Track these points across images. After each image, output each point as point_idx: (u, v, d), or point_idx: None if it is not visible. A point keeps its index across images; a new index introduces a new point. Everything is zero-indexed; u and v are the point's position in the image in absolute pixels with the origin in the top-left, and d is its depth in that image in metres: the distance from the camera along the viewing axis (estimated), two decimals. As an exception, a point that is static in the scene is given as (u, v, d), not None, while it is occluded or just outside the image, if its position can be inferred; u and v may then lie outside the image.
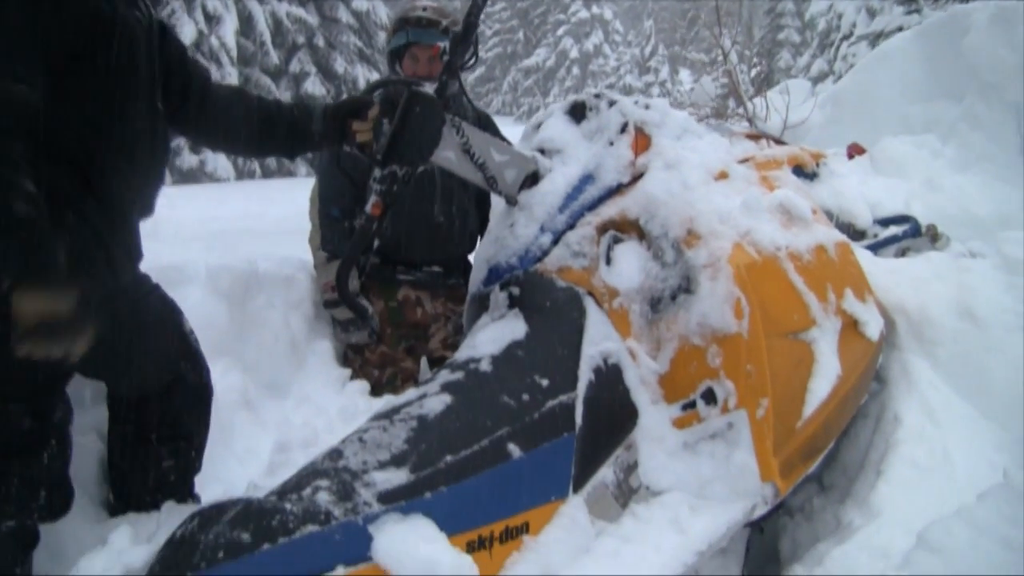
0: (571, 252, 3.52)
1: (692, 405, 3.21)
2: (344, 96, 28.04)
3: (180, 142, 26.81)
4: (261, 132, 3.70)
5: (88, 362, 2.93)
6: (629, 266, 3.44)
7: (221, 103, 3.61)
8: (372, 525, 2.30)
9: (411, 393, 2.98)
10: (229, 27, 28.76)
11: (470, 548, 2.48)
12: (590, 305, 3.35)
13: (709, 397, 3.18)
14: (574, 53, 63.19)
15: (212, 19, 28.45)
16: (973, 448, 3.78)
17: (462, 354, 3.25)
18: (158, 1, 3.43)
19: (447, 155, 3.60)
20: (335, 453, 2.62)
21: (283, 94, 32.25)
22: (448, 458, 2.58)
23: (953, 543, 2.44)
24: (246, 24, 30.08)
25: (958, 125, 6.12)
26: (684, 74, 57.38)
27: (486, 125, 5.36)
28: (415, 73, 5.41)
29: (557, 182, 3.70)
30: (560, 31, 64.57)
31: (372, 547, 2.26)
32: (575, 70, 63.10)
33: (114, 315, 3.18)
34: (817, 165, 5.22)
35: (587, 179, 3.70)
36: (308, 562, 2.16)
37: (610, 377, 3.16)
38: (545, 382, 2.96)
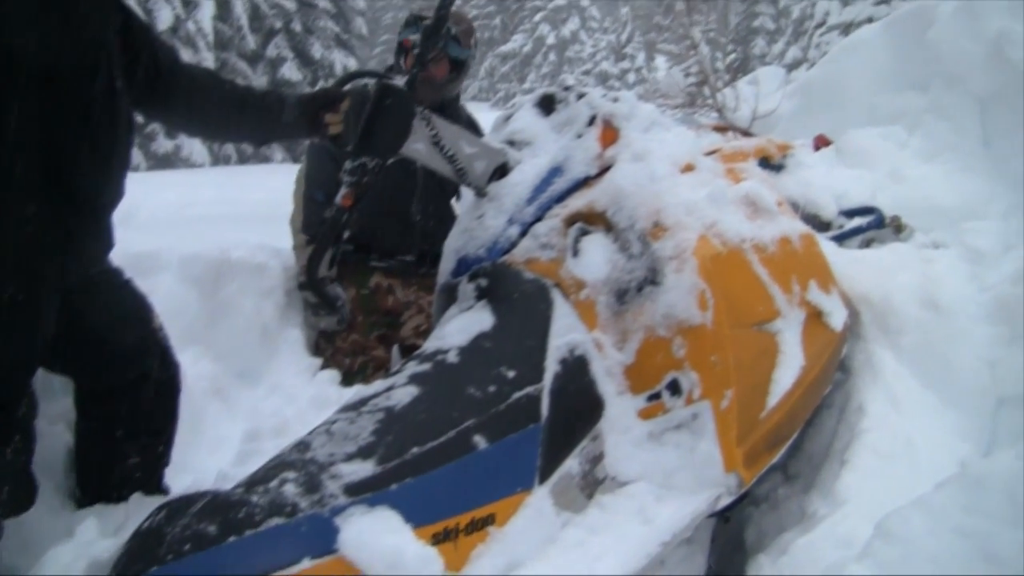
0: (539, 244, 3.54)
1: (657, 396, 3.22)
2: (321, 82, 27.86)
3: (155, 127, 26.72)
4: (231, 116, 3.69)
5: (54, 357, 2.95)
6: (596, 258, 3.45)
7: (192, 84, 3.58)
8: (338, 517, 2.32)
9: (379, 384, 2.99)
10: (206, 12, 28.62)
11: (436, 540, 2.50)
12: (557, 297, 3.36)
13: (674, 388, 3.20)
14: (551, 39, 63.04)
15: (189, 4, 28.30)
16: (936, 437, 3.83)
17: (430, 345, 3.26)
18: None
19: (417, 147, 3.62)
20: (302, 445, 2.64)
21: (260, 79, 32.13)
22: (415, 450, 2.60)
23: (910, 532, 2.46)
24: (223, 8, 29.95)
25: (923, 116, 6.14)
26: (660, 61, 57.34)
27: (477, 131, 5.39)
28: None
29: (526, 174, 3.72)
30: (537, 17, 64.42)
31: (338, 539, 2.27)
32: (552, 56, 62.96)
33: (81, 310, 3.19)
34: (783, 156, 5.25)
35: (555, 171, 3.72)
36: (274, 555, 2.17)
37: (576, 368, 3.18)
38: (512, 373, 2.98)
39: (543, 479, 2.88)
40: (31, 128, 2.84)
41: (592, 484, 3.05)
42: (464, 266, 3.66)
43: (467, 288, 3.49)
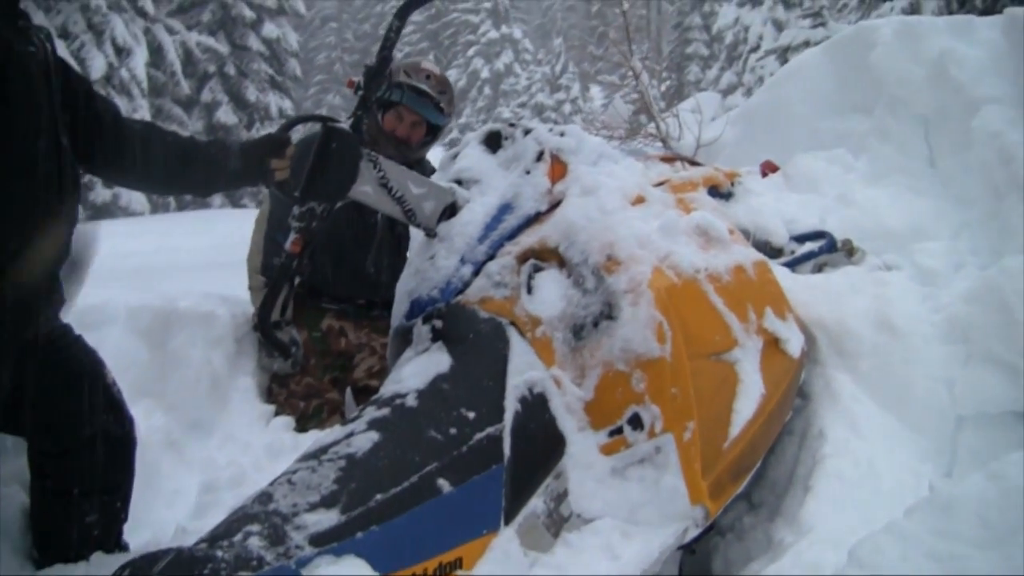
0: (492, 282, 3.53)
1: (619, 431, 3.21)
2: (257, 125, 27.77)
3: (92, 177, 26.56)
4: (177, 169, 3.65)
5: (6, 417, 2.90)
6: (550, 294, 3.45)
7: (135, 140, 3.53)
8: (305, 568, 2.30)
9: (338, 431, 2.96)
10: (139, 59, 28.46)
11: (404, 587, 2.47)
12: (513, 335, 3.35)
13: (635, 422, 3.18)
14: (485, 73, 63.13)
15: (122, 51, 28.13)
16: (898, 459, 3.83)
17: (387, 389, 3.24)
18: (66, 35, 3.37)
19: (365, 189, 3.60)
20: (265, 496, 2.60)
21: (195, 124, 32.06)
22: (378, 496, 2.58)
23: (883, 559, 2.45)
24: (156, 55, 29.80)
25: (868, 139, 6.17)
26: (595, 90, 57.68)
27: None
28: (395, 130, 5.41)
29: (476, 213, 3.71)
30: (471, 51, 64.53)
31: (306, 591, 2.25)
32: (487, 90, 63.07)
33: (33, 370, 3.14)
34: (732, 184, 5.27)
35: (505, 208, 3.71)
36: (242, 610, 2.14)
37: (536, 406, 3.17)
38: (472, 415, 2.97)
39: (508, 519, 2.87)
40: None
41: (558, 522, 3.02)
42: (418, 308, 3.64)
43: (422, 330, 3.47)
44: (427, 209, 3.74)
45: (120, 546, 3.62)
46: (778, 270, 4.37)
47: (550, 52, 65.14)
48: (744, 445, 3.45)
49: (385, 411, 3.02)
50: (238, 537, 2.34)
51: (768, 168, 6.51)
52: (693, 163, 5.70)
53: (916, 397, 4.07)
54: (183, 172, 3.67)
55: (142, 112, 26.85)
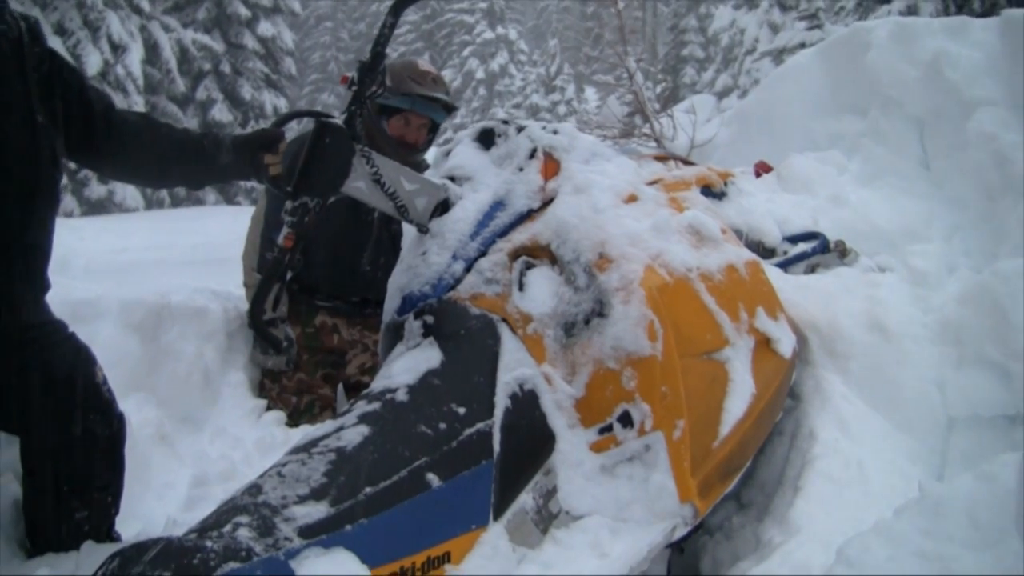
0: (484, 279, 3.52)
1: (609, 428, 3.20)
2: (252, 123, 27.76)
3: (88, 172, 26.52)
4: (169, 161, 3.65)
5: None
6: (542, 291, 3.45)
7: (128, 131, 3.54)
8: (293, 560, 2.29)
9: (329, 425, 2.96)
10: (135, 56, 28.40)
11: (392, 580, 2.47)
12: (504, 332, 3.35)
13: (625, 420, 3.18)
14: (480, 74, 62.97)
15: (118, 48, 28.05)
16: (888, 460, 3.83)
17: (378, 384, 3.24)
18: (62, 32, 3.37)
19: (358, 185, 3.59)
20: (254, 488, 2.60)
21: (190, 121, 32.02)
22: (368, 490, 2.58)
23: (871, 559, 2.45)
24: (152, 52, 29.75)
25: (862, 140, 6.18)
26: (590, 92, 57.57)
27: None
28: (402, 136, 5.42)
29: (468, 209, 3.70)
30: (466, 52, 64.36)
31: (294, 583, 2.24)
32: (481, 91, 62.91)
33: (24, 367, 3.13)
34: (725, 184, 5.26)
35: (498, 205, 3.70)
36: (229, 601, 2.14)
37: (526, 403, 3.16)
38: (462, 410, 2.97)
39: (497, 515, 2.86)
40: None
41: (547, 519, 3.02)
42: (409, 304, 3.63)
43: (413, 326, 3.47)
44: (420, 205, 3.73)
45: (112, 537, 3.62)
46: (770, 270, 4.37)
47: (545, 53, 64.98)
48: (734, 444, 3.44)
49: (375, 405, 3.02)
50: (227, 528, 2.33)
51: (761, 168, 6.52)
52: (686, 162, 5.70)
53: (907, 399, 4.08)
54: (176, 163, 3.68)
55: (137, 109, 26.80)
